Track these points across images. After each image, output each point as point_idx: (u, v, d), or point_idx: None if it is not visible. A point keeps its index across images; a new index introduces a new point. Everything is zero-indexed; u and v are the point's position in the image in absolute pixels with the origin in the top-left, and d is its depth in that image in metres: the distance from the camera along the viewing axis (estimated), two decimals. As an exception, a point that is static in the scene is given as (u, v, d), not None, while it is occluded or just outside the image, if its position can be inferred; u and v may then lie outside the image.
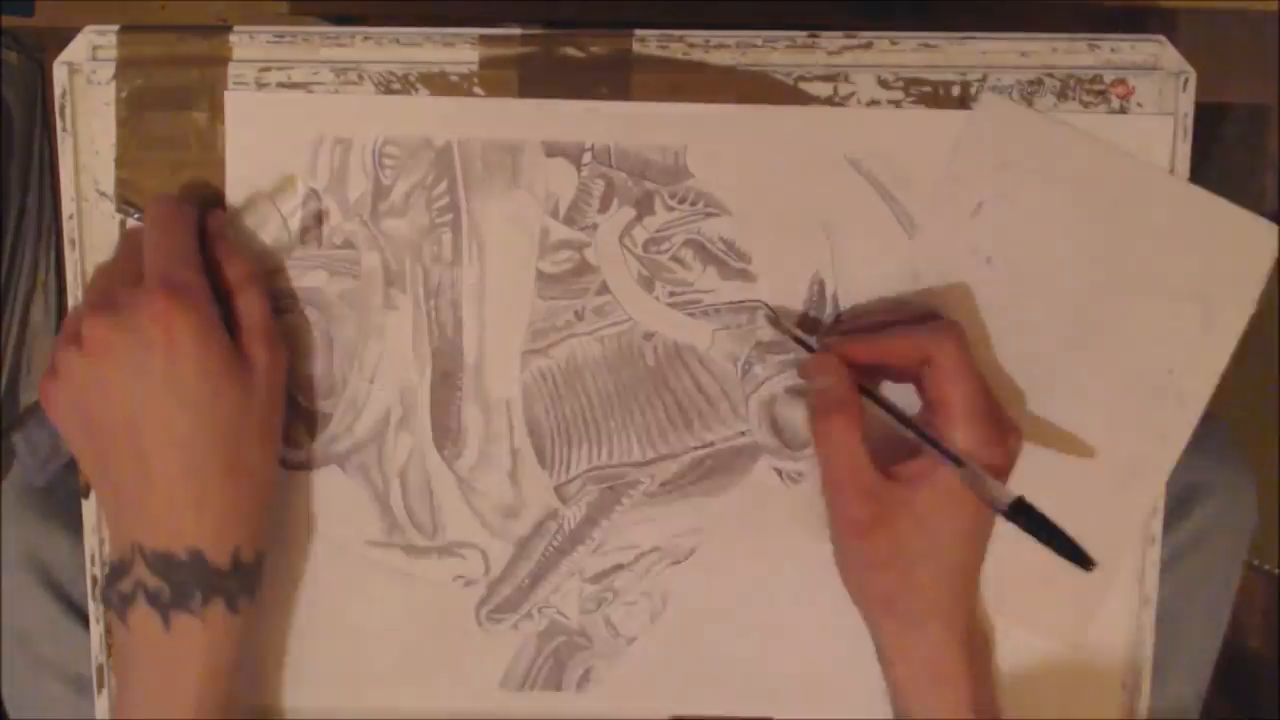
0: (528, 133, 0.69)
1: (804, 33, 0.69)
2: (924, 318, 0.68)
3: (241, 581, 0.65)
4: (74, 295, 0.71)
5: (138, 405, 0.62)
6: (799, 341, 0.69)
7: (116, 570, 0.65)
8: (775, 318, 0.70)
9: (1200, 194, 0.69)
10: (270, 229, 0.70)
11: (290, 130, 0.70)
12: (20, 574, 0.82)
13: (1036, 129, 0.69)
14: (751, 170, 0.69)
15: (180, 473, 0.63)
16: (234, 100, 0.69)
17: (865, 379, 0.67)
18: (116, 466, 0.64)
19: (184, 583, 0.63)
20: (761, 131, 0.69)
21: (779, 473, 0.72)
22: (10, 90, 0.86)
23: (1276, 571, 0.85)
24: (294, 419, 0.72)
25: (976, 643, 0.67)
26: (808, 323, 0.71)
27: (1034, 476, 0.66)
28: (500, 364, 0.71)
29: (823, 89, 0.69)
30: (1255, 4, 0.68)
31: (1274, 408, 0.81)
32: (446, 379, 0.71)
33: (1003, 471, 0.63)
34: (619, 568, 0.73)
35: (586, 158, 0.69)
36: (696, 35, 0.69)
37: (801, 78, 0.69)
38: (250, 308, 0.67)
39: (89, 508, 0.73)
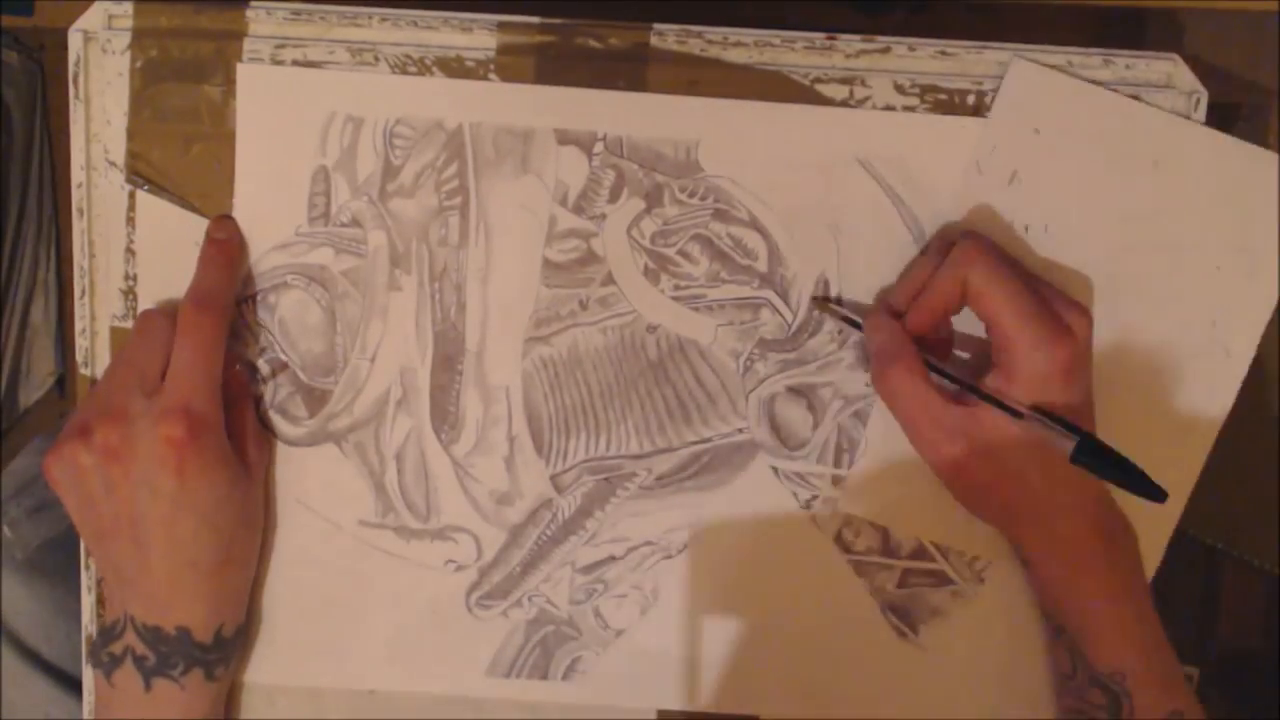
0: (541, 119, 0.69)
1: (822, 34, 0.69)
2: (949, 250, 0.67)
3: (221, 655, 0.69)
4: (81, 273, 0.72)
5: (143, 508, 0.65)
6: (846, 320, 0.69)
7: (108, 633, 0.68)
8: (823, 299, 0.70)
9: (1235, 143, 0.69)
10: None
11: (302, 106, 0.70)
12: None
13: (1067, 92, 0.69)
14: (763, 168, 0.69)
15: (179, 566, 0.66)
16: (246, 73, 0.69)
17: (942, 347, 0.69)
18: (116, 548, 0.66)
19: (169, 654, 0.67)
20: (775, 129, 0.69)
21: (776, 471, 0.72)
22: (10, 90, 0.86)
23: (1276, 571, 0.84)
24: (294, 394, 0.72)
25: (1113, 526, 0.67)
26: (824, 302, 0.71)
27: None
28: (502, 350, 0.71)
29: (839, 91, 0.69)
30: (1255, 4, 0.68)
31: (1274, 407, 0.80)
32: (447, 362, 0.71)
33: (1070, 367, 0.63)
34: (611, 559, 0.73)
35: (598, 147, 0.69)
36: (714, 32, 0.69)
37: (818, 79, 0.69)
38: (246, 414, 0.71)
39: (88, 575, 0.74)
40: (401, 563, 0.73)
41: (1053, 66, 0.69)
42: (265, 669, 0.74)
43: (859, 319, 0.69)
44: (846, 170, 0.70)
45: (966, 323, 0.69)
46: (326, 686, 0.74)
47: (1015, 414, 0.62)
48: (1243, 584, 0.88)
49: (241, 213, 0.70)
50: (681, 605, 0.73)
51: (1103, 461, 0.61)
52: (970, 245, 0.64)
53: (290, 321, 0.71)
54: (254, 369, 0.72)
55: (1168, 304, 0.70)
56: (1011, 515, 0.68)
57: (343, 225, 0.70)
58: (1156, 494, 0.61)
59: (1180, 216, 0.69)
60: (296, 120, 0.70)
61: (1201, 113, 0.68)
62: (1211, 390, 0.71)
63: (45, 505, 0.86)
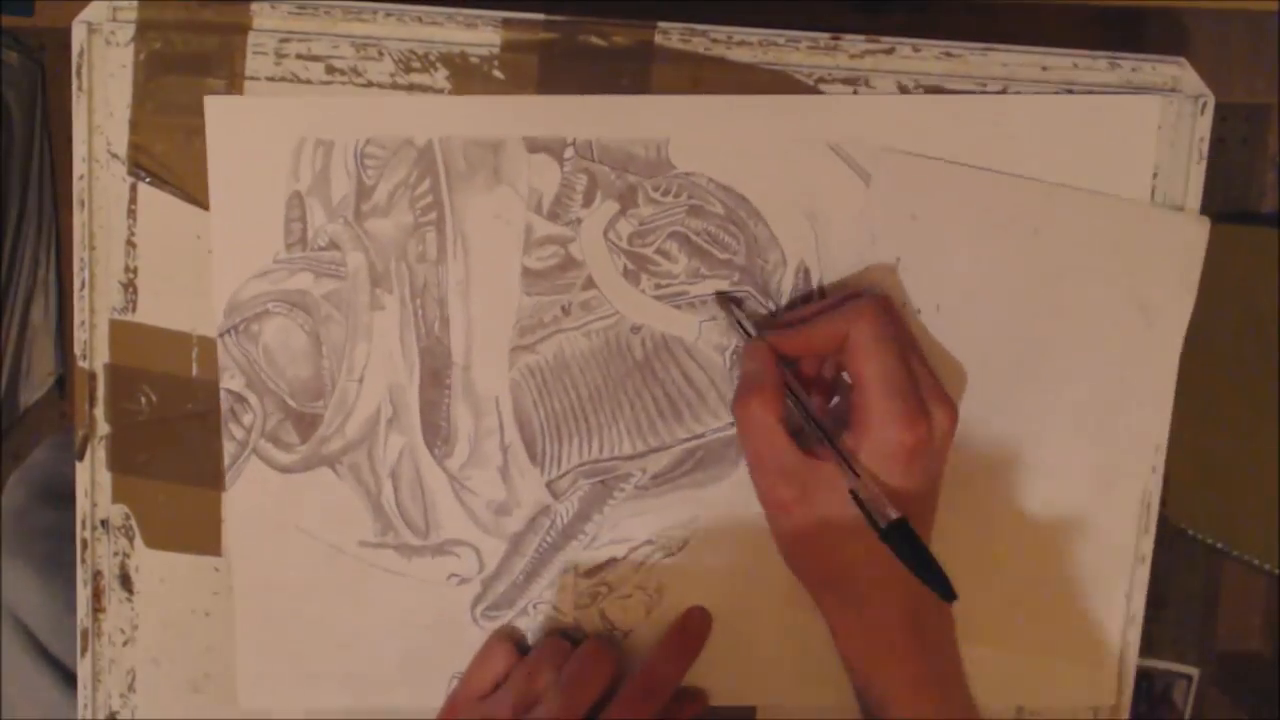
0: (509, 129, 0.69)
1: (827, 34, 0.68)
2: (848, 300, 0.66)
3: None
4: (81, 266, 0.72)
5: None
6: (740, 328, 0.68)
7: None
8: (725, 300, 0.70)
9: (1112, 200, 0.69)
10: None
11: (271, 134, 0.69)
12: None
13: (937, 176, 0.69)
14: (734, 160, 0.69)
15: None
16: (213, 106, 0.69)
17: (812, 371, 0.69)
18: None
19: None
20: (742, 121, 0.68)
21: (770, 463, 0.71)
22: (10, 90, 0.86)
23: (1276, 571, 0.83)
24: (284, 420, 0.72)
25: (927, 614, 0.66)
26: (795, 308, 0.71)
27: (1021, 500, 0.70)
28: (488, 361, 0.71)
29: (843, 91, 0.69)
30: (1255, 4, 0.66)
31: (1274, 407, 0.79)
32: (435, 377, 0.71)
33: (916, 451, 0.62)
34: (613, 561, 0.73)
35: (568, 152, 0.69)
36: (719, 31, 0.69)
37: (822, 79, 0.69)
38: None
39: (82, 469, 0.74)
40: (404, 580, 0.73)
41: (1050, 90, 0.66)
42: (273, 698, 0.75)
43: (751, 330, 0.68)
44: (818, 156, 0.69)
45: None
46: (337, 711, 0.75)
47: (854, 473, 0.62)
48: (1243, 584, 0.87)
49: (218, 243, 0.70)
50: (686, 601, 0.74)
51: (908, 548, 0.60)
52: (866, 303, 0.63)
53: (275, 349, 0.71)
54: None
55: (1074, 365, 0.71)
56: (825, 580, 0.67)
57: (320, 249, 0.70)
58: (947, 593, 0.59)
59: (1068, 279, 0.69)
60: (267, 148, 0.69)
61: (1208, 117, 0.67)
62: (1134, 438, 0.72)
63: (57, 496, 0.88)
